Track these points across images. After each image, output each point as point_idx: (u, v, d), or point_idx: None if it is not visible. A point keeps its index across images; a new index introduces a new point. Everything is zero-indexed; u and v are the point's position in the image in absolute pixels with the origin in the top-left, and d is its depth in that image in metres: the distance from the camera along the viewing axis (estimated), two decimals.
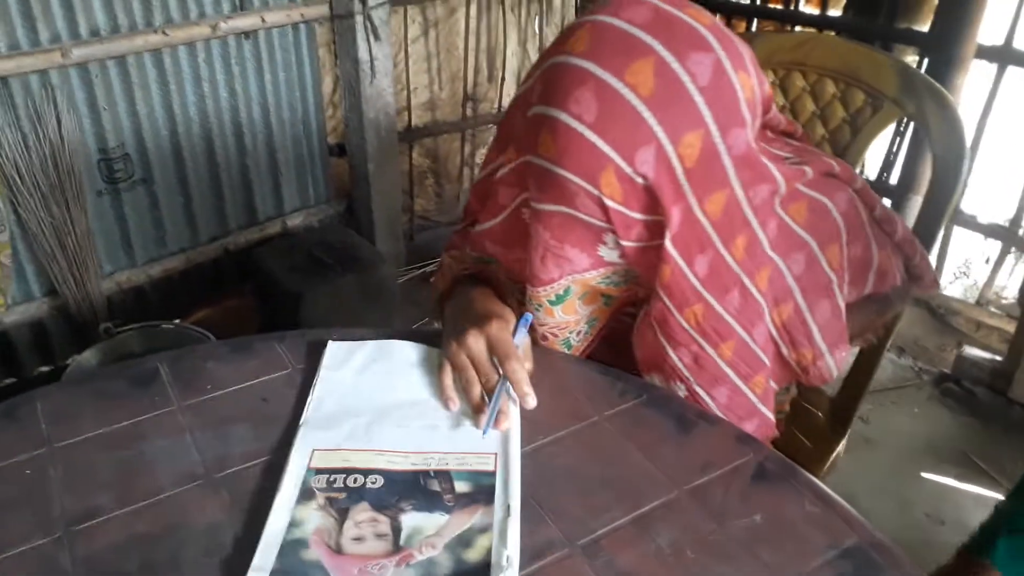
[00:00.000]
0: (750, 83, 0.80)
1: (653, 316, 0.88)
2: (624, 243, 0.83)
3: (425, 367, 0.92)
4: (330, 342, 0.94)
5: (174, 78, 2.03)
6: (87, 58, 1.85)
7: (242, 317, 2.31)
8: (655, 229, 0.82)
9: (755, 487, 0.78)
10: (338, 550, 0.69)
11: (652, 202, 0.80)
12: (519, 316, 0.93)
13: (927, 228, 1.20)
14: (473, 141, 2.85)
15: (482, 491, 0.75)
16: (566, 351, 1.00)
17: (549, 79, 0.79)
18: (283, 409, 0.86)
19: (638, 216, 0.81)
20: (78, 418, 0.84)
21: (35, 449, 0.80)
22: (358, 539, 0.70)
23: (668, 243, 0.81)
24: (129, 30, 1.91)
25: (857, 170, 1.26)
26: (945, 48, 2.07)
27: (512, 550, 0.68)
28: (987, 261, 2.55)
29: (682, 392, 0.92)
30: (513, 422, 0.84)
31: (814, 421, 1.31)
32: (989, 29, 2.10)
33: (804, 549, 0.71)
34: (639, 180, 0.78)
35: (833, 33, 2.32)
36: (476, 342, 0.88)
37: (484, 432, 0.82)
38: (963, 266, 2.69)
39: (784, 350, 0.94)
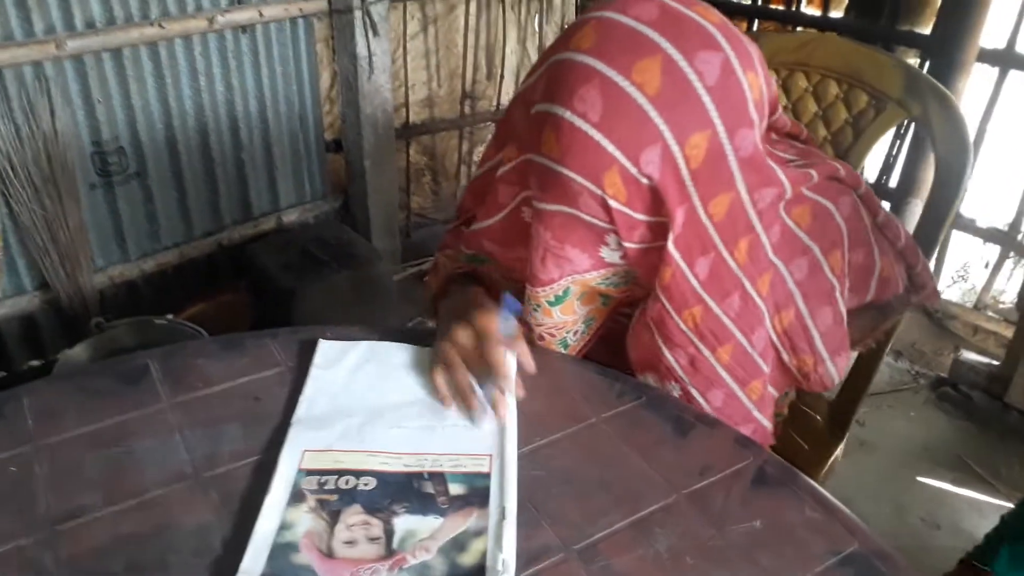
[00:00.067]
0: (758, 83, 0.78)
1: (650, 316, 0.87)
2: (627, 244, 0.82)
3: (419, 368, 0.90)
4: (321, 340, 0.93)
5: (170, 71, 2.01)
6: (82, 50, 1.83)
7: (235, 313, 2.30)
8: (658, 230, 0.81)
9: (755, 492, 0.77)
10: (329, 554, 0.67)
11: (656, 203, 0.79)
12: (523, 325, 0.92)
13: (928, 232, 1.19)
14: (471, 139, 2.83)
15: (477, 493, 0.74)
16: (563, 351, 0.99)
17: (553, 76, 0.78)
18: (274, 408, 0.84)
19: (642, 217, 0.80)
20: (65, 415, 0.82)
21: (20, 446, 0.78)
22: (350, 542, 0.68)
23: (671, 245, 0.80)
24: (125, 22, 1.89)
25: (858, 172, 1.26)
26: (947, 51, 2.06)
27: (507, 554, 0.67)
28: (986, 265, 2.55)
29: (676, 392, 0.91)
30: (509, 422, 0.82)
31: (812, 424, 1.30)
32: (991, 32, 2.09)
33: (804, 555, 0.70)
34: (644, 181, 0.77)
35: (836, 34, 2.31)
36: (464, 335, 0.88)
37: (475, 422, 0.82)
38: (961, 270, 2.69)
39: (785, 356, 0.94)
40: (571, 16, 2.85)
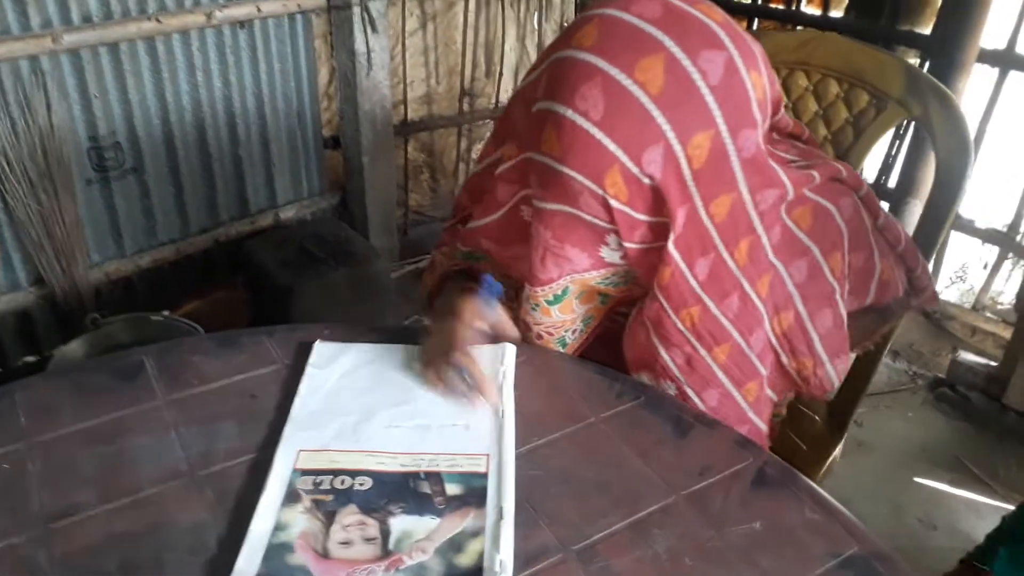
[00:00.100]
0: (762, 83, 0.78)
1: (647, 316, 0.87)
2: (627, 245, 0.82)
3: (414, 369, 0.90)
4: (317, 341, 0.92)
5: (167, 66, 2.00)
6: (78, 44, 1.81)
7: (232, 310, 2.29)
8: (658, 230, 0.81)
9: (754, 493, 0.77)
10: (325, 554, 0.67)
11: (657, 203, 0.78)
12: (504, 306, 0.92)
13: (928, 232, 1.18)
14: (469, 136, 2.83)
15: (474, 494, 0.73)
16: (560, 349, 0.98)
17: (555, 73, 0.77)
18: (271, 406, 0.84)
19: (643, 217, 0.80)
20: (59, 411, 0.82)
21: (13, 443, 0.78)
22: (345, 543, 0.68)
23: (671, 245, 0.80)
24: (122, 16, 1.88)
25: (862, 172, 1.25)
26: (947, 51, 2.05)
27: (505, 555, 0.67)
28: (984, 266, 2.55)
29: (672, 391, 0.91)
30: (507, 422, 0.82)
31: (811, 424, 1.30)
32: (991, 33, 2.09)
33: (804, 557, 0.70)
34: (646, 180, 0.76)
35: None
36: (444, 330, 0.89)
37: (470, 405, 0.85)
38: (960, 271, 2.69)
39: (784, 359, 0.93)
40: (570, 14, 2.84)
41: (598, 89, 0.73)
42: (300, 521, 0.70)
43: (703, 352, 0.88)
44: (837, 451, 1.27)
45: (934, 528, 1.82)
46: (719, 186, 0.78)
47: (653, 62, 0.73)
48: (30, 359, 2.07)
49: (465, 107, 2.75)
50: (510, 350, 0.92)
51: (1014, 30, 2.13)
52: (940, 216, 1.17)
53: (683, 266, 0.82)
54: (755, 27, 2.53)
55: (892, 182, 2.30)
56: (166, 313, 2.01)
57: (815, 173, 0.88)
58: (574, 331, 0.98)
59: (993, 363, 2.19)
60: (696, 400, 0.90)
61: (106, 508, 0.71)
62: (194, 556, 0.67)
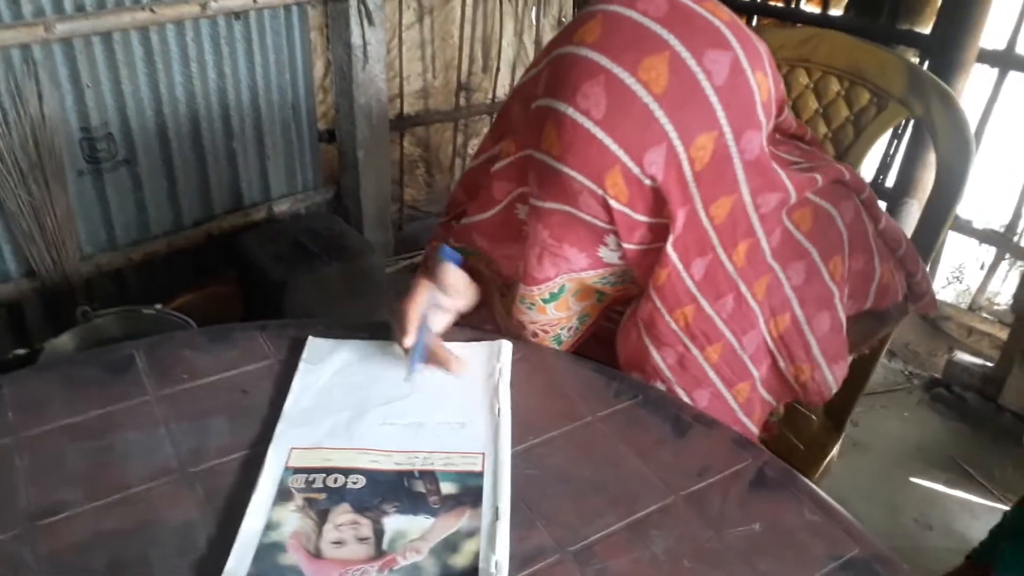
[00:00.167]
0: (767, 84, 0.77)
1: (640, 316, 0.86)
2: (626, 245, 0.80)
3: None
4: (310, 337, 0.91)
5: (161, 57, 1.98)
6: (71, 33, 1.79)
7: (225, 304, 2.28)
8: (658, 231, 0.80)
9: (754, 494, 0.76)
10: (317, 554, 0.66)
11: (658, 204, 0.77)
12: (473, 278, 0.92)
13: (928, 232, 1.17)
14: (466, 131, 2.81)
15: (469, 493, 0.72)
16: (556, 347, 0.97)
17: (556, 70, 0.76)
18: (263, 402, 0.83)
19: (642, 218, 0.78)
20: (47, 406, 0.80)
21: (1, 438, 0.76)
22: (338, 543, 0.67)
23: (669, 247, 0.79)
24: (116, 6, 1.86)
25: (859, 171, 1.24)
26: (947, 51, 2.05)
27: (501, 556, 0.65)
28: (981, 267, 2.55)
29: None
30: (503, 420, 0.80)
31: (808, 424, 1.29)
32: (991, 33, 2.08)
33: (804, 559, 0.69)
34: (646, 182, 0.75)
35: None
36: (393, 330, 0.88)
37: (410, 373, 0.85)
38: (956, 271, 2.69)
39: (781, 364, 0.92)
40: (568, 10, 2.82)
41: (600, 87, 0.72)
42: (292, 520, 0.68)
43: (695, 351, 0.87)
44: (835, 451, 1.26)
45: (930, 528, 1.82)
46: (720, 188, 0.77)
47: (657, 61, 0.72)
48: (20, 352, 2.05)
49: (461, 102, 2.74)
50: (506, 347, 0.91)
51: (1014, 30, 2.13)
52: (940, 216, 1.17)
53: (680, 267, 0.81)
54: (754, 24, 2.52)
55: (890, 182, 2.30)
56: (158, 307, 1.99)
57: (818, 176, 0.87)
58: (570, 328, 0.97)
59: (989, 364, 2.19)
60: (686, 400, 0.90)
61: (94, 505, 0.70)
62: (183, 555, 0.66)
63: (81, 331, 1.85)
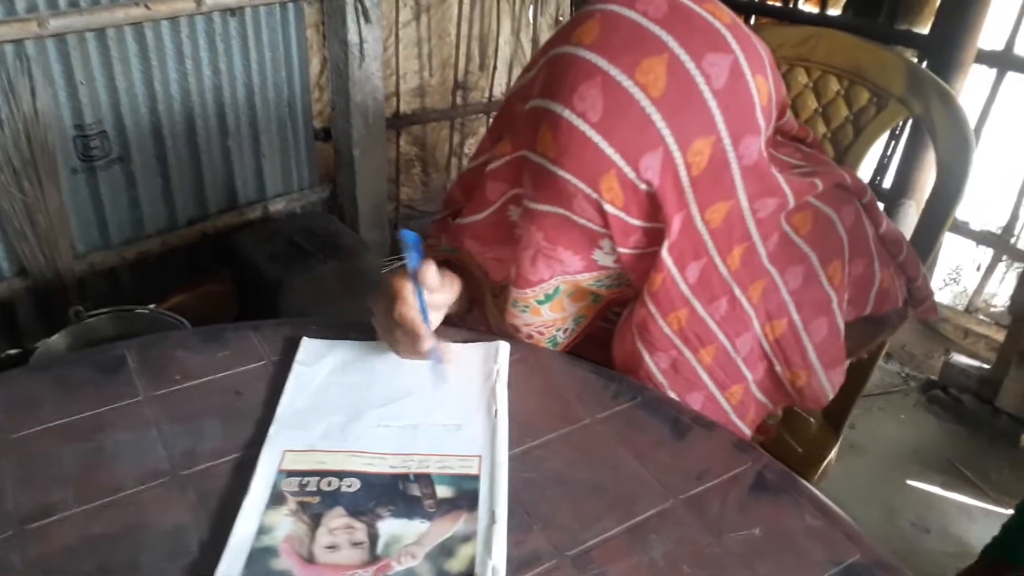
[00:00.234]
0: (767, 88, 0.76)
1: (634, 321, 0.85)
2: (621, 250, 0.79)
3: (405, 366, 0.87)
4: (304, 338, 0.90)
5: (155, 54, 1.97)
6: (65, 29, 1.78)
7: (220, 304, 2.26)
8: (653, 236, 0.79)
9: (754, 498, 0.75)
10: (310, 559, 0.64)
11: (653, 209, 0.76)
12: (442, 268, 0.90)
13: (927, 233, 1.17)
14: (462, 130, 2.80)
15: (465, 496, 0.71)
16: (552, 348, 0.96)
17: (553, 70, 0.75)
18: (256, 403, 0.82)
19: (638, 223, 0.77)
20: (36, 407, 0.79)
21: None
22: (332, 547, 0.65)
23: (664, 252, 0.78)
24: (110, 2, 1.84)
25: (858, 171, 1.24)
26: (945, 51, 2.04)
27: (497, 560, 0.64)
28: (978, 268, 2.54)
29: None
30: (500, 422, 0.79)
31: (806, 427, 1.29)
32: (990, 33, 2.08)
33: (804, 564, 0.68)
34: (642, 186, 0.74)
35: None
36: (379, 305, 0.86)
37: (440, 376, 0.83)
38: (953, 272, 2.68)
39: (778, 368, 0.91)
40: (566, 8, 2.81)
41: (597, 89, 0.71)
42: (285, 524, 0.67)
43: (688, 354, 0.87)
44: (833, 454, 1.26)
45: (927, 531, 1.81)
46: (717, 193, 0.76)
47: (655, 63, 0.71)
48: (13, 352, 2.03)
49: (458, 100, 2.73)
50: (503, 348, 0.90)
51: (1012, 31, 2.12)
52: (940, 216, 1.16)
53: (675, 272, 0.80)
54: (752, 23, 2.52)
55: (887, 183, 2.29)
56: (152, 306, 1.98)
57: (818, 181, 0.86)
58: (565, 330, 0.96)
59: (986, 366, 2.19)
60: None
61: (83, 508, 0.68)
62: (174, 560, 0.64)
63: (74, 331, 1.84)
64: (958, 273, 2.68)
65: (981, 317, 2.45)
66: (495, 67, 2.75)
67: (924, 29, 2.16)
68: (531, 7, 2.76)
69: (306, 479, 0.72)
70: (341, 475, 0.72)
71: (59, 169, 1.89)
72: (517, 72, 2.75)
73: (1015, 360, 2.06)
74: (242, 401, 0.82)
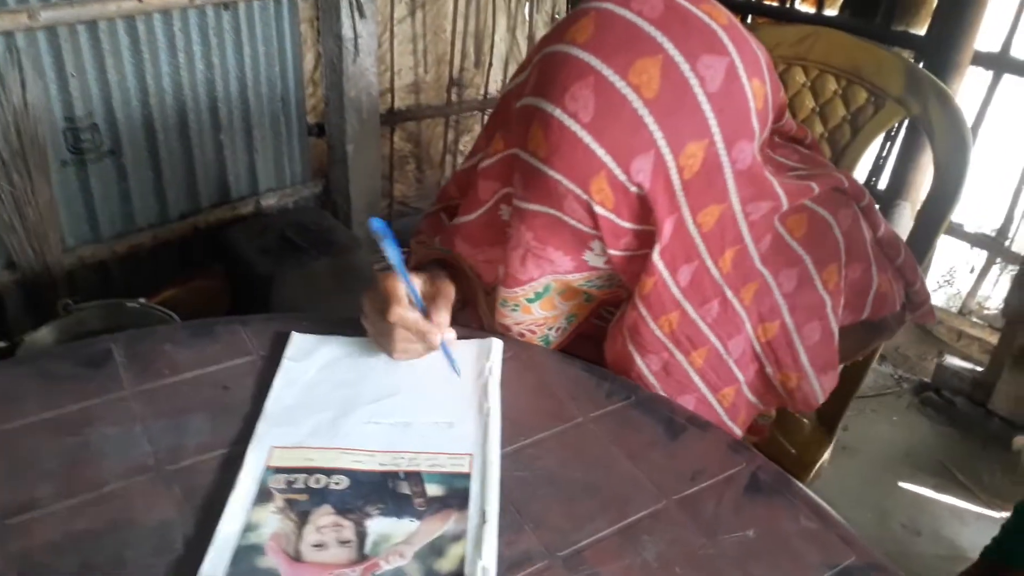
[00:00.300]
0: (763, 91, 0.75)
1: (625, 323, 0.84)
2: (611, 252, 0.78)
3: (396, 363, 0.86)
4: (294, 333, 0.88)
5: (148, 47, 1.95)
6: (56, 21, 1.76)
7: (211, 299, 2.25)
8: (644, 238, 0.78)
9: (748, 499, 0.74)
10: (297, 557, 0.63)
11: (644, 212, 0.75)
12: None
13: (924, 235, 1.16)
14: (457, 127, 2.79)
15: (456, 495, 0.70)
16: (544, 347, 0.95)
17: (545, 69, 0.74)
18: (244, 399, 0.80)
19: (628, 225, 0.76)
20: (20, 400, 0.78)
21: None
22: (319, 546, 0.64)
23: (656, 256, 0.77)
24: None
25: (855, 171, 1.23)
26: (942, 52, 2.04)
27: (488, 561, 0.63)
28: (971, 271, 2.54)
29: None
30: (492, 420, 0.78)
31: (800, 428, 1.28)
32: (986, 35, 2.08)
33: (799, 567, 0.68)
34: (633, 189, 0.73)
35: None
36: (370, 305, 0.85)
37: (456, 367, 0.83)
38: (947, 275, 2.68)
39: (768, 369, 0.90)
40: (562, 6, 2.81)
41: (589, 90, 0.70)
42: (272, 522, 0.66)
43: (680, 357, 0.86)
44: (826, 455, 1.25)
45: (918, 534, 1.81)
46: (709, 197, 0.76)
47: (649, 64, 0.70)
48: (0, 345, 2.02)
49: (453, 97, 2.72)
50: (496, 346, 0.89)
51: (1009, 33, 2.12)
52: (936, 217, 1.16)
53: (667, 276, 0.79)
54: (748, 22, 2.51)
55: (883, 184, 2.29)
56: (142, 300, 1.96)
57: (813, 185, 0.85)
58: (557, 329, 0.95)
59: (979, 368, 2.19)
60: None
61: (67, 504, 0.67)
62: (159, 556, 0.63)
63: (61, 324, 1.82)
64: (952, 275, 2.69)
65: (975, 320, 2.45)
66: (490, 64, 2.74)
67: (921, 30, 2.16)
68: (527, 4, 2.75)
69: (294, 476, 0.70)
70: (329, 472, 0.71)
71: (49, 162, 1.87)
72: (512, 69, 2.73)
73: (1008, 363, 2.06)
74: (230, 396, 0.81)
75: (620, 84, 0.70)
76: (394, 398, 0.81)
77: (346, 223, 2.48)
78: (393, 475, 0.72)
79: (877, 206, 0.98)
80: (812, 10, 2.41)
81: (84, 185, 2.00)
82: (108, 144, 1.99)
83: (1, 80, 1.73)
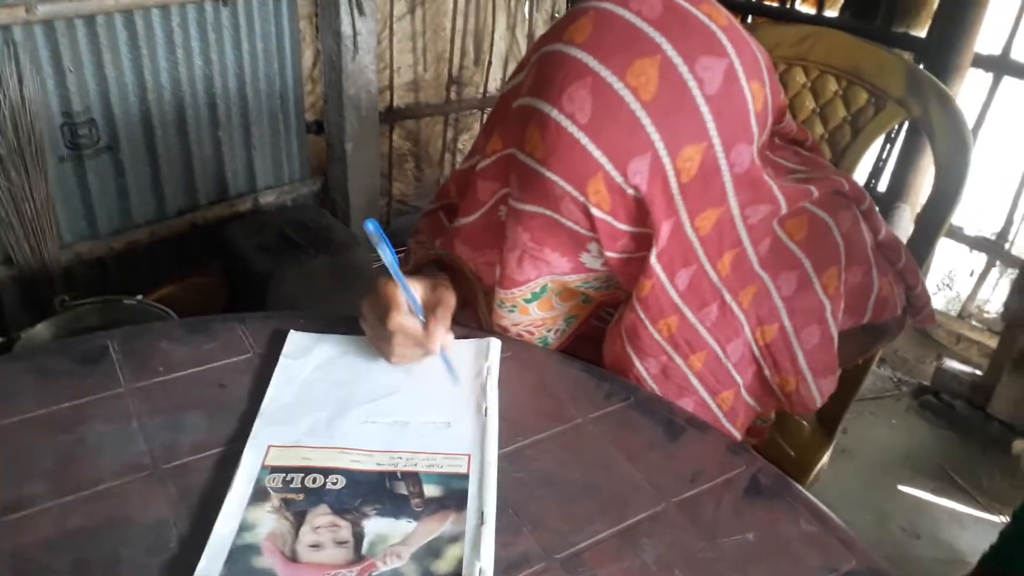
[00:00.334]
0: (763, 94, 0.74)
1: (624, 325, 0.83)
2: (608, 254, 0.78)
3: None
4: (291, 331, 0.88)
5: (146, 42, 1.94)
6: (53, 15, 1.75)
7: (208, 296, 2.24)
8: (641, 240, 0.77)
9: (748, 502, 0.73)
10: (293, 558, 0.63)
11: (641, 214, 0.75)
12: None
13: (924, 237, 1.16)
14: (456, 126, 2.78)
15: (454, 496, 0.69)
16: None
17: (543, 68, 0.73)
18: (241, 397, 0.80)
19: (625, 228, 0.76)
20: (15, 397, 0.77)
21: None
22: (315, 546, 0.64)
23: (653, 259, 0.76)
24: None
25: (855, 173, 1.22)
26: (942, 54, 2.03)
27: (485, 562, 0.63)
28: (971, 274, 2.54)
29: None
30: (490, 421, 0.78)
31: (799, 431, 1.27)
32: (987, 38, 2.07)
33: (799, 571, 0.67)
34: (630, 191, 0.72)
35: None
36: (370, 310, 0.84)
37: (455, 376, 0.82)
38: (947, 278, 2.68)
39: (767, 372, 0.90)
40: (562, 5, 2.80)
41: (587, 90, 0.69)
42: (268, 521, 0.65)
43: (679, 360, 0.85)
44: (825, 458, 1.24)
45: (917, 537, 1.81)
46: (707, 200, 0.75)
47: (647, 65, 0.69)
48: None
49: (452, 96, 2.71)
50: (495, 345, 0.88)
51: (1009, 35, 2.12)
52: (937, 219, 1.15)
53: (664, 279, 0.78)
54: (748, 22, 2.51)
55: (882, 186, 2.28)
56: (139, 297, 1.95)
57: (813, 188, 0.84)
58: (556, 331, 0.94)
59: (978, 372, 2.19)
60: None
61: (61, 501, 0.67)
62: (153, 555, 0.63)
63: (58, 321, 1.81)
64: (951, 278, 2.68)
65: (974, 323, 2.45)
66: (490, 63, 2.73)
67: (921, 32, 2.15)
68: (527, 2, 2.74)
69: (290, 475, 0.70)
70: (326, 472, 0.71)
71: (46, 157, 1.86)
72: (512, 68, 2.73)
73: (1008, 366, 2.06)
74: (226, 394, 0.80)
75: (618, 85, 0.69)
76: (392, 397, 0.81)
77: (345, 221, 2.47)
78: (391, 475, 0.71)
79: (877, 208, 0.98)
80: (812, 11, 2.40)
81: (81, 181, 1.99)
82: (106, 140, 1.98)
83: None
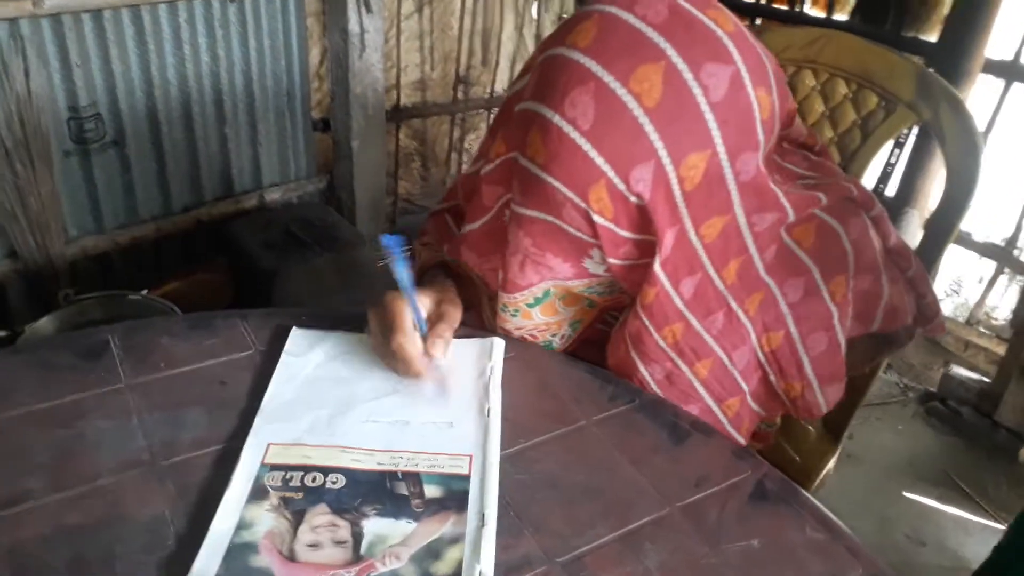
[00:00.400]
0: (769, 101, 0.73)
1: (628, 331, 0.82)
2: (611, 261, 0.77)
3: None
4: (294, 329, 0.87)
5: (153, 37, 1.94)
6: (60, 9, 1.75)
7: (213, 292, 2.24)
8: (644, 247, 0.76)
9: (753, 508, 0.72)
10: (291, 557, 0.62)
11: (644, 222, 0.73)
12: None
13: (934, 242, 1.15)
14: (463, 125, 2.78)
15: (454, 497, 0.68)
16: None
17: (545, 72, 0.72)
18: (242, 394, 0.79)
19: (627, 235, 0.75)
20: (14, 391, 0.76)
21: None
22: (314, 546, 0.63)
23: (657, 267, 0.75)
24: None
25: (864, 177, 1.21)
26: (953, 59, 2.02)
27: (485, 564, 0.62)
28: (980, 280, 2.53)
29: None
30: (492, 422, 0.77)
31: (805, 436, 1.26)
32: (998, 44, 2.06)
33: None
34: (632, 199, 0.71)
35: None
36: (375, 323, 0.83)
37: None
38: (955, 284, 2.67)
39: (772, 377, 0.89)
40: (570, 6, 2.80)
41: (589, 96, 0.68)
42: (266, 520, 0.65)
43: (684, 367, 0.84)
44: (831, 464, 1.23)
45: (922, 544, 1.79)
46: (712, 208, 0.74)
47: (651, 71, 0.68)
48: (1, 335, 2.01)
49: (459, 95, 2.70)
50: (498, 345, 0.87)
51: (1021, 42, 2.10)
52: (947, 223, 1.14)
53: (669, 287, 0.77)
54: (757, 24, 2.50)
55: (891, 191, 2.27)
56: (144, 292, 1.95)
57: (821, 195, 0.83)
58: (561, 336, 0.93)
59: (985, 379, 2.17)
60: None
61: (58, 497, 0.66)
62: (150, 552, 0.62)
63: (63, 315, 1.82)
64: (959, 285, 2.67)
65: (982, 330, 2.43)
66: (497, 63, 2.73)
67: (931, 37, 2.14)
68: (535, 3, 2.74)
69: (290, 474, 0.69)
70: (326, 471, 0.70)
71: (52, 151, 1.86)
72: (519, 69, 2.73)
73: (1016, 374, 2.05)
74: (227, 391, 0.79)
75: (621, 91, 0.68)
76: (393, 397, 0.80)
77: (350, 219, 2.47)
78: (391, 475, 0.70)
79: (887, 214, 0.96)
80: (822, 14, 2.40)
81: (87, 175, 1.99)
82: (112, 135, 1.98)
83: (5, 68, 1.72)
